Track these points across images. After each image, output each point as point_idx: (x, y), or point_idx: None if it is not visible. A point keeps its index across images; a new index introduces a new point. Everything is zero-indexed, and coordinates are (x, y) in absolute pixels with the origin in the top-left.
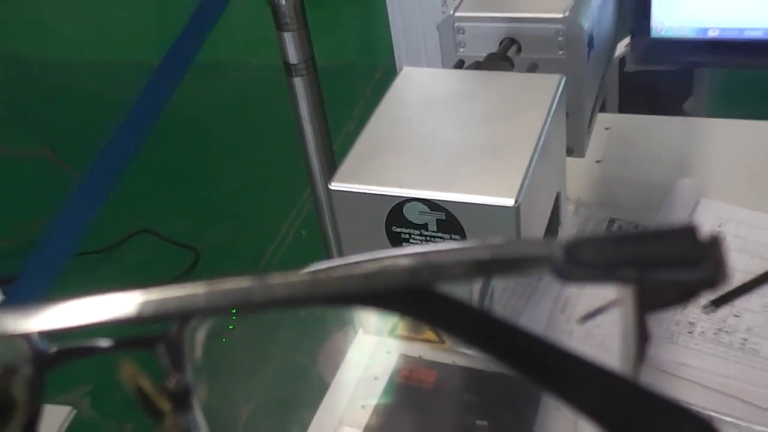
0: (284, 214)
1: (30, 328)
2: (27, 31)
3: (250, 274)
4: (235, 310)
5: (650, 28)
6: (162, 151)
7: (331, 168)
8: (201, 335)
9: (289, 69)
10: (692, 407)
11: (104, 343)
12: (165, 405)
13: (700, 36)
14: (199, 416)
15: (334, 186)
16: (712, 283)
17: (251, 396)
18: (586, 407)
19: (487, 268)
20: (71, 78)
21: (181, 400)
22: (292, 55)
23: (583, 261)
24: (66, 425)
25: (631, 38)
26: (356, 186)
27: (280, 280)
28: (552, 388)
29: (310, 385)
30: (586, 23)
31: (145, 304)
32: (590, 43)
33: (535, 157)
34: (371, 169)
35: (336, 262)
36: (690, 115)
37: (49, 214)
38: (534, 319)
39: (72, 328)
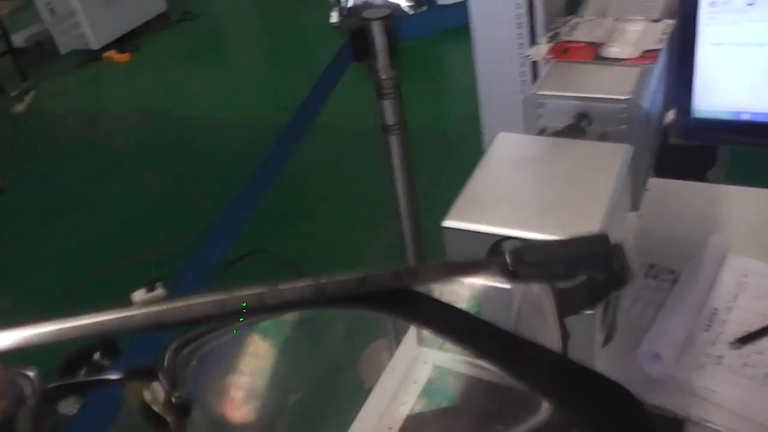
0: (369, 242)
1: None
2: (179, 96)
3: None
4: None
5: (691, 109)
6: (283, 191)
7: (412, 207)
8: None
9: (386, 129)
10: (717, 427)
11: (112, 375)
12: (169, 416)
13: (734, 118)
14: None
15: (446, 224)
16: (620, 280)
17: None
18: (531, 381)
19: (452, 270)
20: (210, 133)
21: (183, 412)
22: (389, 118)
23: (525, 260)
24: None
25: (675, 117)
26: (465, 224)
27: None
28: (504, 367)
29: (355, 386)
30: (645, 103)
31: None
32: (647, 118)
33: (609, 210)
34: (476, 212)
35: None
36: (712, 182)
37: (190, 233)
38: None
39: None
